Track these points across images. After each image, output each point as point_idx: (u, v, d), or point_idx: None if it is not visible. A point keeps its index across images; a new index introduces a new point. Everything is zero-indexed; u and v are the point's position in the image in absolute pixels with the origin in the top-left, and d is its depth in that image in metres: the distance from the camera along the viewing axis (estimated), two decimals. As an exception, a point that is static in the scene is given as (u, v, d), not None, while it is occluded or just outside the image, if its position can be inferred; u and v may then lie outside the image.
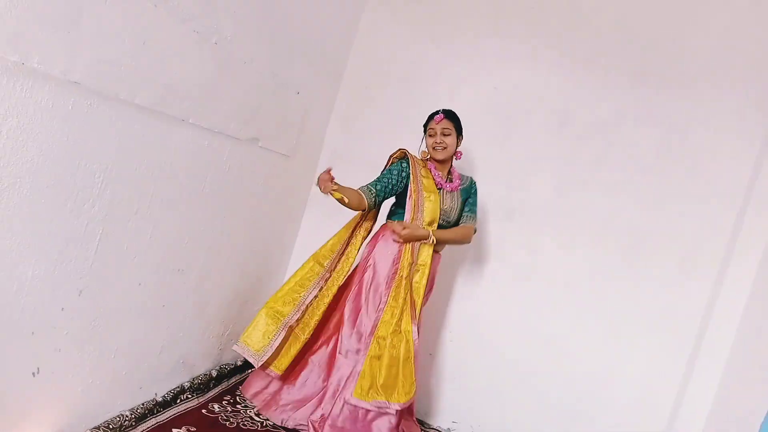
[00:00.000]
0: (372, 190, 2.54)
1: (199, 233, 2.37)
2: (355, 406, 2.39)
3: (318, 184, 2.36)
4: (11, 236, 1.55)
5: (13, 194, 1.51)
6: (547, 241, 3.01)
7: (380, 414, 2.41)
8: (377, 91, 3.26)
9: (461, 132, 2.67)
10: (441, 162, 2.67)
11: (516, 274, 3.05)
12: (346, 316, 2.59)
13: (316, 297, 2.61)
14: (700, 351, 2.78)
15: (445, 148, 2.61)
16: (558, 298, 3.02)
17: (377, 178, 2.62)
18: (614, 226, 2.94)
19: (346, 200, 2.36)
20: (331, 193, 2.33)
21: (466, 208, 2.71)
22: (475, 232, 2.73)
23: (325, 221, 3.25)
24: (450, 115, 2.62)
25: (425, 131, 2.68)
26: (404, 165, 2.61)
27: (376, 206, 2.66)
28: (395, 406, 2.38)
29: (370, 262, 2.61)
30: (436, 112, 2.63)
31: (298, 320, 2.59)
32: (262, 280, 3.11)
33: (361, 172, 3.16)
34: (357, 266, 2.71)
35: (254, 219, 2.80)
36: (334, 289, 2.65)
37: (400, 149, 2.69)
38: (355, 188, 2.49)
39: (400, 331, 2.45)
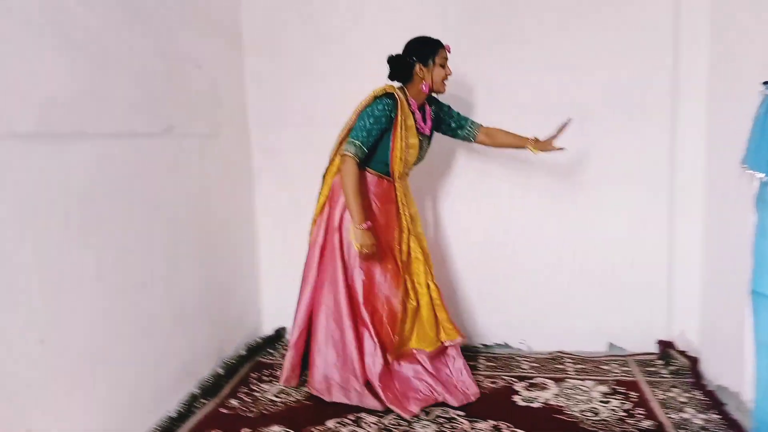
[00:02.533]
0: (363, 150, 2.35)
1: (148, 241, 2.26)
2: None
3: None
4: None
5: None
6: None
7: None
8: (284, 41, 3.09)
9: None
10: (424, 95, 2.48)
11: (478, 181, 3.01)
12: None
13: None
14: (675, 191, 2.79)
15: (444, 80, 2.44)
16: (520, 187, 2.98)
17: (364, 128, 2.34)
18: (557, 100, 2.86)
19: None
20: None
21: (454, 122, 2.61)
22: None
23: (279, 185, 3.20)
24: None
25: (430, 61, 2.39)
26: (390, 109, 2.35)
27: None
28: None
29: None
30: (439, 41, 2.40)
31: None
32: (236, 265, 3.04)
33: (299, 127, 3.09)
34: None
35: (202, 208, 2.69)
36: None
37: (386, 87, 2.42)
38: (348, 153, 2.33)
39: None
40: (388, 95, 2.37)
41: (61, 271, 1.81)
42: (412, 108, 2.44)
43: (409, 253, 2.52)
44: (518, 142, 2.56)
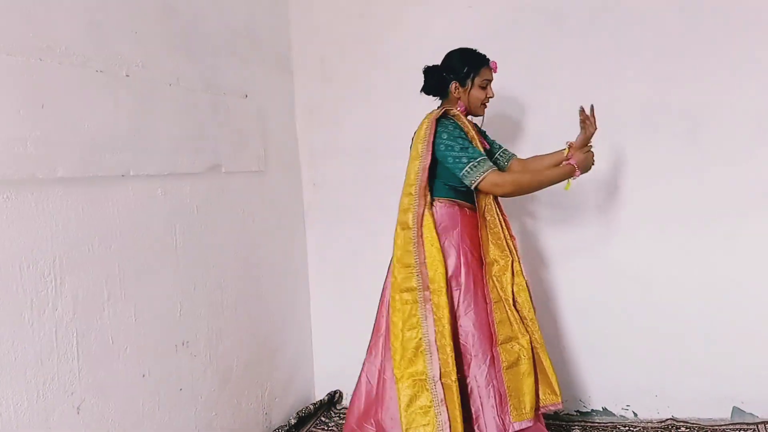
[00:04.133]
0: (488, 161, 2.33)
1: (191, 294, 2.35)
2: None
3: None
4: (-27, 376, 1.53)
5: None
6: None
7: None
8: (338, 63, 3.20)
9: None
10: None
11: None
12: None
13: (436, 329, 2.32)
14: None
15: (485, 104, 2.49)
16: (625, 222, 2.94)
17: (462, 148, 2.30)
18: (660, 114, 2.85)
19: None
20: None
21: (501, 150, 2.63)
22: None
23: (333, 227, 3.27)
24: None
25: (468, 81, 2.40)
26: (455, 127, 2.35)
27: None
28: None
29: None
30: (485, 57, 2.41)
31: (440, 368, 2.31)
32: (285, 318, 3.10)
33: (355, 158, 3.17)
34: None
35: (250, 253, 2.78)
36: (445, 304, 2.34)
37: (442, 109, 2.41)
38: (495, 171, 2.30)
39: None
40: (444, 115, 2.39)
41: (100, 327, 1.91)
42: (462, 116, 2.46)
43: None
44: (555, 160, 2.50)
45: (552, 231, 3.06)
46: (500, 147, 2.65)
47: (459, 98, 2.42)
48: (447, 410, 2.23)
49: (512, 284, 2.43)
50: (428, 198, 2.38)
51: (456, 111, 2.41)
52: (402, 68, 3.09)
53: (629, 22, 2.85)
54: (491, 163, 2.31)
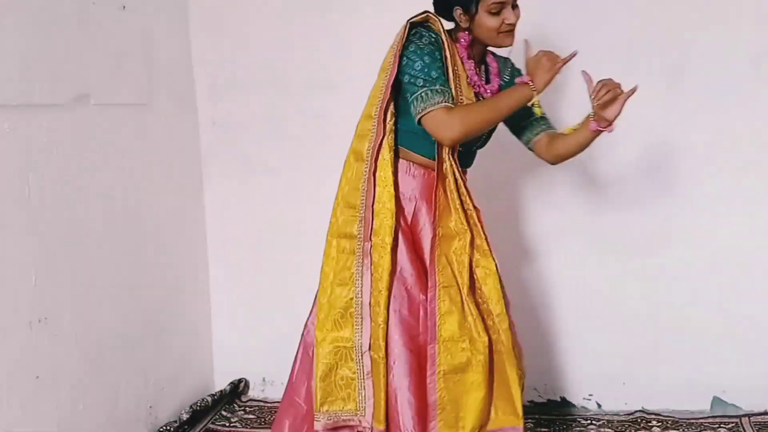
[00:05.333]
0: (449, 92, 2.24)
1: (51, 258, 2.31)
2: None
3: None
4: None
5: None
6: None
7: None
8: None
9: None
10: (479, 46, 2.36)
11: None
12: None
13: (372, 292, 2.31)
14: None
15: (514, 27, 2.27)
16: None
17: (426, 74, 2.22)
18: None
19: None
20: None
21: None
22: None
23: (238, 178, 3.25)
24: None
25: (472, 5, 2.25)
26: (430, 42, 2.27)
27: None
28: None
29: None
30: None
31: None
32: (176, 289, 3.10)
33: (264, 92, 3.14)
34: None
35: (129, 208, 2.75)
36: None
37: (423, 14, 2.31)
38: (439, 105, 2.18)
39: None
40: (422, 22, 2.31)
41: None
42: (460, 54, 2.36)
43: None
44: (581, 131, 2.35)
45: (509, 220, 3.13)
46: (534, 116, 2.39)
47: (467, 28, 2.30)
48: (372, 386, 2.24)
49: (471, 267, 2.38)
50: (390, 125, 2.32)
51: (439, 25, 2.31)
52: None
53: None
54: (451, 97, 2.22)
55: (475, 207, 2.37)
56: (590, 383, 3.11)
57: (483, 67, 2.43)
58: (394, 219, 2.29)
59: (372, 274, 2.27)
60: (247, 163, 3.24)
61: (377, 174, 2.29)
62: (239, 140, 3.23)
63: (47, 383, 2.28)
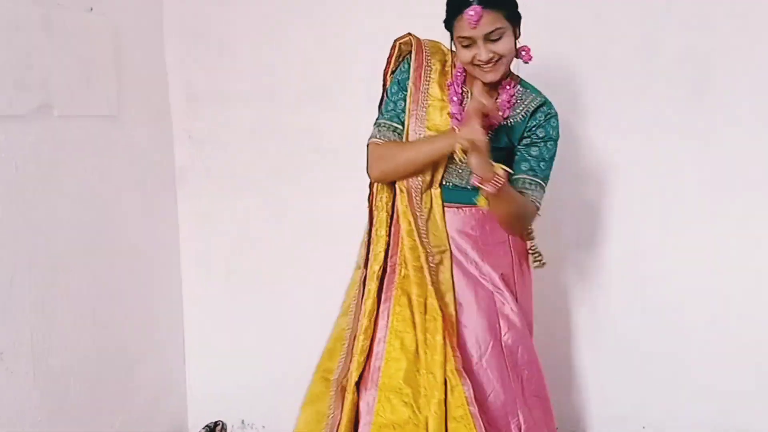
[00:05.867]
0: (391, 125, 2.37)
1: (7, 285, 2.30)
2: None
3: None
4: None
5: None
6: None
7: None
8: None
9: (518, 19, 2.26)
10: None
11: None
12: None
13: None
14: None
15: (497, 62, 2.23)
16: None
17: (385, 105, 2.38)
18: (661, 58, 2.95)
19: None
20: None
21: (524, 165, 2.34)
22: (537, 212, 2.38)
23: (216, 197, 3.26)
24: (494, 1, 2.18)
25: (451, 36, 2.31)
26: (407, 67, 2.37)
27: None
28: None
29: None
30: (462, 2, 2.20)
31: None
32: (147, 321, 3.10)
33: (246, 104, 3.15)
34: None
35: (96, 230, 2.76)
36: None
37: (407, 36, 2.40)
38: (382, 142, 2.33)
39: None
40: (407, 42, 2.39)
41: None
42: (454, 79, 2.38)
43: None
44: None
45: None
46: (530, 170, 2.37)
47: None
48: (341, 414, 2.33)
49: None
50: None
51: (418, 49, 2.38)
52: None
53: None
54: (393, 131, 2.34)
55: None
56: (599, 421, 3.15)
57: (494, 92, 2.39)
58: (385, 246, 2.35)
59: (363, 304, 2.33)
60: (227, 182, 3.23)
61: (376, 197, 2.38)
62: (218, 156, 3.23)
63: (1, 428, 2.26)
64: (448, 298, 2.35)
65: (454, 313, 2.34)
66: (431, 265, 2.34)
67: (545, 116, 2.32)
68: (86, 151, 2.69)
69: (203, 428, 3.28)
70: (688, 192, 3.01)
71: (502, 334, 2.37)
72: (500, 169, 2.14)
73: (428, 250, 2.34)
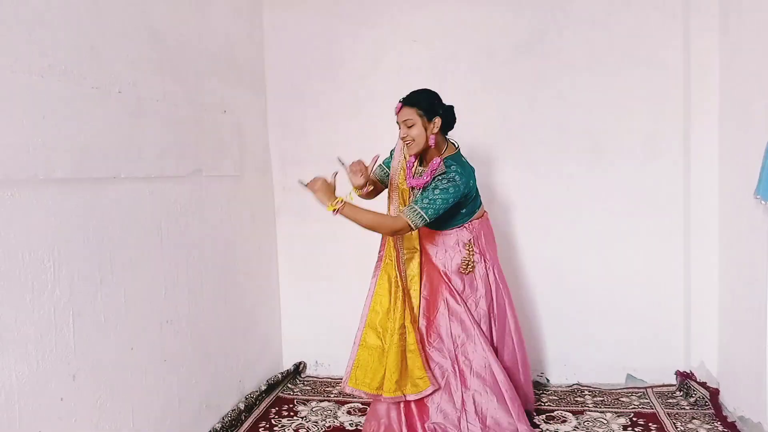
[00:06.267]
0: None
1: (174, 280, 2.33)
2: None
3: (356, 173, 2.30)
4: (-21, 349, 1.50)
5: (-35, 307, 1.47)
6: (509, 170, 3.01)
7: None
8: (305, 85, 3.20)
9: (433, 113, 2.24)
10: (417, 155, 2.36)
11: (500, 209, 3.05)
12: None
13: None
14: (690, 223, 2.81)
15: (412, 140, 2.27)
16: (541, 222, 3.02)
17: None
18: (570, 133, 2.95)
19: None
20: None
21: (417, 198, 2.27)
22: (410, 227, 2.22)
23: (299, 224, 3.27)
24: (410, 101, 2.25)
25: None
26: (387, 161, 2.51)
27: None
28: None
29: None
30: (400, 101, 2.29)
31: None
32: (257, 302, 3.09)
33: (319, 165, 3.15)
34: None
35: (226, 246, 2.76)
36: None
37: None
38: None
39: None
40: None
41: (94, 308, 1.88)
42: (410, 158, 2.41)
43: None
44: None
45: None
46: (414, 200, 2.29)
47: None
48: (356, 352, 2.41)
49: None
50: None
51: (395, 147, 2.50)
52: (358, 92, 3.13)
53: (546, 55, 2.94)
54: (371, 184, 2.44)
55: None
56: (541, 364, 3.08)
57: (421, 165, 2.41)
58: (380, 245, 2.50)
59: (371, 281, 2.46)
60: (304, 214, 3.22)
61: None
62: (299, 199, 3.21)
63: (171, 366, 2.30)
64: (414, 280, 2.42)
65: (419, 289, 2.40)
66: (401, 258, 2.43)
67: (439, 177, 2.25)
68: (222, 197, 2.73)
69: (292, 366, 3.28)
70: (589, 212, 2.99)
71: (448, 301, 2.39)
72: (331, 206, 2.21)
73: (399, 250, 2.43)
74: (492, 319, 2.45)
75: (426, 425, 2.33)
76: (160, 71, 2.26)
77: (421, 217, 2.20)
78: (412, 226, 2.22)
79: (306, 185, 2.28)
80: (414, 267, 2.44)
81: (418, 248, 2.45)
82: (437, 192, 2.21)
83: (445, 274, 2.42)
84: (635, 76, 2.85)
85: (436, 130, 2.28)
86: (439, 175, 2.25)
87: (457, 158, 2.33)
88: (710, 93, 2.66)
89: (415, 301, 2.40)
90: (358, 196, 2.39)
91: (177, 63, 2.38)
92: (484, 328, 2.40)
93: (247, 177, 2.98)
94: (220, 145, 2.71)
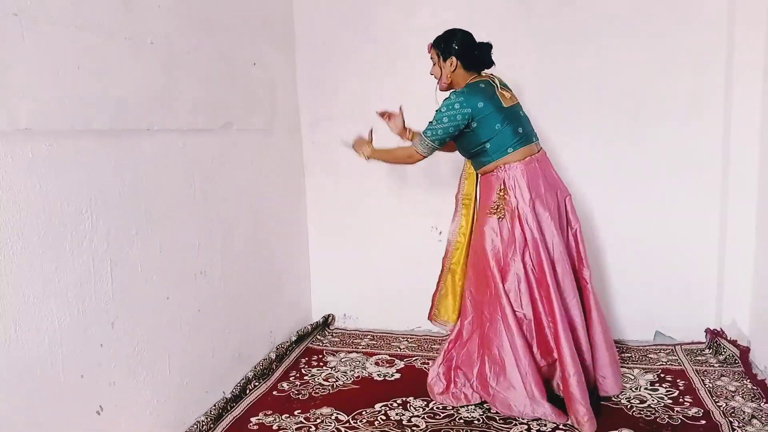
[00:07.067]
0: None
1: (208, 232, 2.34)
2: None
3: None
4: (23, 297, 1.52)
5: (10, 256, 1.48)
6: (548, 125, 2.92)
7: None
8: (335, 40, 3.12)
9: (447, 53, 2.27)
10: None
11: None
12: None
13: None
14: (728, 181, 2.72)
15: (437, 79, 2.36)
16: (576, 181, 2.94)
17: None
18: (609, 92, 2.84)
19: None
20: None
21: None
22: (418, 153, 2.30)
23: (328, 180, 3.26)
24: (434, 41, 2.33)
25: None
26: None
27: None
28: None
29: None
30: None
31: None
32: (288, 256, 3.11)
33: (347, 122, 3.11)
34: None
35: (257, 200, 2.76)
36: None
37: None
38: None
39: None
40: None
41: (130, 258, 1.90)
42: None
43: None
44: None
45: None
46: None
47: None
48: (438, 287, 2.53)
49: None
50: None
51: None
52: (390, 46, 3.05)
53: (587, 12, 2.82)
54: None
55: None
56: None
57: None
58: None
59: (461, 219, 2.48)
60: (333, 170, 3.22)
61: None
62: (328, 155, 3.21)
63: (205, 316, 2.33)
64: (463, 231, 2.48)
65: (467, 234, 2.46)
66: (459, 204, 2.50)
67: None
68: (252, 151, 2.71)
69: (321, 318, 3.30)
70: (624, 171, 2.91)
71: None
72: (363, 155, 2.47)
73: (458, 201, 2.50)
74: (530, 280, 2.22)
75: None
76: (191, 24, 2.21)
77: (422, 141, 2.28)
78: (419, 151, 2.30)
79: (352, 146, 2.52)
80: (468, 214, 2.45)
81: (473, 197, 2.45)
82: (436, 116, 2.25)
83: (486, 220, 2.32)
84: (678, 32, 2.72)
85: (452, 68, 2.28)
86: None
87: (471, 86, 2.26)
88: (755, 50, 2.54)
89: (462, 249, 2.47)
90: (403, 140, 2.47)
91: (210, 19, 2.34)
92: (521, 287, 2.22)
93: (277, 131, 2.96)
94: (251, 99, 2.68)
